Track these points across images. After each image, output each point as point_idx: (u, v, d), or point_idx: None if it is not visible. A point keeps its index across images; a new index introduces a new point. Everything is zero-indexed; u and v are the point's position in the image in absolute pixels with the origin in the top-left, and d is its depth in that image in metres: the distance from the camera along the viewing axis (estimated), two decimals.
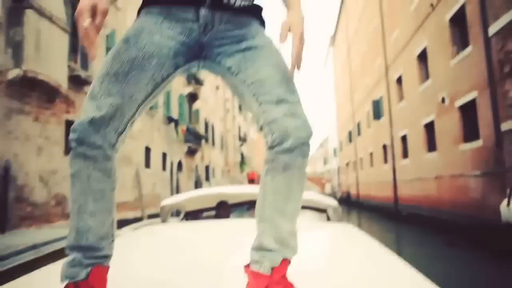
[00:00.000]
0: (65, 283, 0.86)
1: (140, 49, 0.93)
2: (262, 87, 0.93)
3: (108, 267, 0.92)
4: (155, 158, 16.60)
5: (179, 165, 19.88)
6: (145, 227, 2.40)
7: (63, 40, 8.94)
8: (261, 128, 0.94)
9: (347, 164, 34.78)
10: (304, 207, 2.69)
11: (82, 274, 0.86)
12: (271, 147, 0.90)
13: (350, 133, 32.25)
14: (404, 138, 16.50)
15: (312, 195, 2.88)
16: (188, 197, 2.89)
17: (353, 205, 28.85)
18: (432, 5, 12.34)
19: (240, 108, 50.82)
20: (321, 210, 2.87)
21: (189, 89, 21.71)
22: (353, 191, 31.12)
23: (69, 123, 10.17)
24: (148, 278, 1.07)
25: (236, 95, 1.03)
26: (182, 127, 19.42)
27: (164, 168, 17.55)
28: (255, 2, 1.04)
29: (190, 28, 0.95)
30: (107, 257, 0.92)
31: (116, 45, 0.97)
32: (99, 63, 12.68)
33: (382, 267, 1.25)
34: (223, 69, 0.99)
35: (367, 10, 23.27)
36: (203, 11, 0.95)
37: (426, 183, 13.53)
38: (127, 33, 0.97)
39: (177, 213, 3.20)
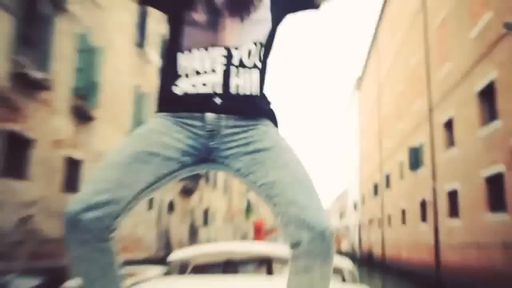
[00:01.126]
0: None
1: (147, 145, 0.98)
2: (273, 189, 0.96)
3: None
4: None
5: (170, 205, 16.75)
6: (155, 281, 2.49)
7: (5, 25, 6.59)
8: (290, 241, 0.96)
9: (370, 221, 30.93)
10: None
11: None
12: (291, 248, 0.94)
13: (375, 186, 28.74)
14: (452, 194, 13.16)
15: None
16: (197, 252, 2.90)
17: (376, 267, 24.87)
18: (508, 25, 9.46)
19: None
20: (335, 270, 2.56)
21: None
22: (377, 251, 27.12)
23: (11, 135, 7.53)
24: None
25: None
26: None
27: (150, 207, 14.45)
28: (259, 99, 1.09)
29: (197, 133, 1.01)
30: None
31: (126, 138, 1.06)
32: (63, 65, 9.58)
33: None
34: (233, 171, 1.04)
35: (406, 45, 20.64)
36: (209, 117, 1.01)
37: (487, 250, 10.20)
38: (137, 129, 1.06)
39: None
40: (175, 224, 17.03)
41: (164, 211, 15.66)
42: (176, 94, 1.02)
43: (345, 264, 2.84)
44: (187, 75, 1.02)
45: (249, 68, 1.05)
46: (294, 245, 0.92)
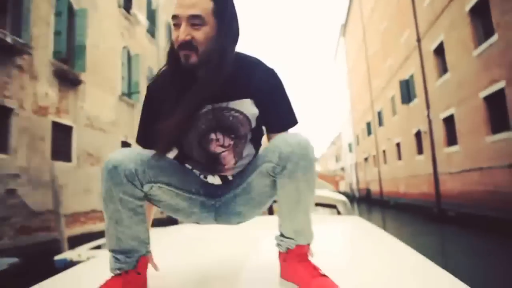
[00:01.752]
0: (115, 272, 1.04)
1: (177, 164, 1.21)
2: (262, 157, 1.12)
3: (150, 254, 1.15)
4: None
5: None
6: (171, 227, 2.51)
7: None
8: (274, 166, 1.05)
9: (366, 159, 31.37)
10: (315, 204, 3.12)
11: (130, 266, 1.05)
12: (275, 165, 1.04)
13: (368, 125, 28.85)
14: (448, 120, 13.12)
15: (321, 192, 3.26)
16: None
17: (375, 203, 25.51)
18: None
19: None
20: (331, 206, 3.16)
21: None
22: (374, 188, 27.73)
23: None
24: (183, 272, 1.23)
25: (259, 196, 1.19)
26: None
27: None
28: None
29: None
30: (148, 251, 1.11)
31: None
32: (43, 29, 8.75)
33: (389, 252, 1.42)
34: (236, 186, 1.21)
35: None
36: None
37: (492, 174, 10.15)
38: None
39: None
40: None
41: None
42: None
43: (338, 197, 3.16)
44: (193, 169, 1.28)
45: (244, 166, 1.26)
46: (278, 161, 1.02)
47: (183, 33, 1.03)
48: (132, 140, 12.87)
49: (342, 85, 44.94)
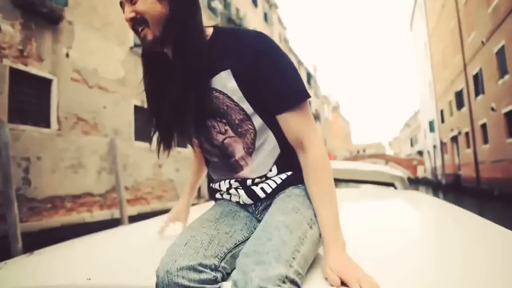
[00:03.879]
0: None
1: (227, 207, 1.12)
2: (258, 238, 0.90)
3: None
4: None
5: None
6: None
7: None
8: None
9: (454, 139, 26.00)
10: (369, 182, 3.04)
11: None
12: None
13: (459, 95, 23.51)
14: None
15: (379, 167, 3.06)
16: None
17: (468, 192, 20.50)
18: None
19: (309, 81, 43.84)
20: (388, 184, 2.98)
21: None
22: (467, 173, 22.55)
23: None
24: None
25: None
26: None
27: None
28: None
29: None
30: None
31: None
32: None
33: (457, 223, 1.34)
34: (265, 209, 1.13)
35: None
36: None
37: None
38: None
39: None
40: None
41: None
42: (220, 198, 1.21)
43: (395, 173, 2.99)
44: (222, 191, 1.17)
45: (266, 176, 1.09)
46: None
47: (127, 13, 0.94)
48: None
49: (420, 56, 38.99)
